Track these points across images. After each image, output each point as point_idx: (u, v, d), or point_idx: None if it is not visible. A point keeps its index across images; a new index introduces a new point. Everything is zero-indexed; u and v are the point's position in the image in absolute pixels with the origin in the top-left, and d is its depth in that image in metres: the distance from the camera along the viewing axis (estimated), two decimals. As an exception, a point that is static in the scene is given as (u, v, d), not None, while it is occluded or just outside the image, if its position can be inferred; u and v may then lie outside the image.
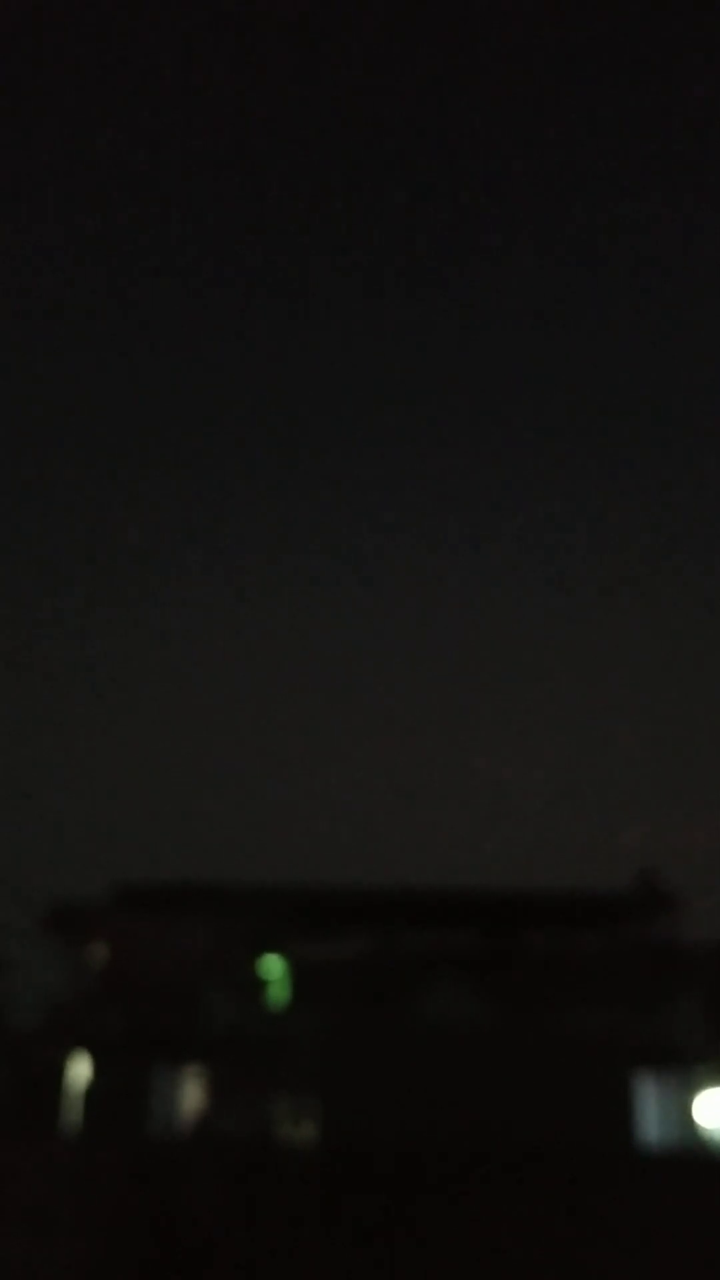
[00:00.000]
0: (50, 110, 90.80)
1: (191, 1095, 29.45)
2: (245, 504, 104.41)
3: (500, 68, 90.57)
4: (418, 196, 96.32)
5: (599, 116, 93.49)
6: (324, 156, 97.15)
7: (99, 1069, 28.84)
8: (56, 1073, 30.32)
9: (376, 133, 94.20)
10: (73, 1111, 29.91)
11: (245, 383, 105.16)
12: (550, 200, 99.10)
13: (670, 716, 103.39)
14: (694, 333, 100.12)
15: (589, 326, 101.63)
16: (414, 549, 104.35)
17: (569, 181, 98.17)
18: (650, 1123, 27.79)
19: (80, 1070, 30.17)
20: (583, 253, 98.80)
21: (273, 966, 34.14)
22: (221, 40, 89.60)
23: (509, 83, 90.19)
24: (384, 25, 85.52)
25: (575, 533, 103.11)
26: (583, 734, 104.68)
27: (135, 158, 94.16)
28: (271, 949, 34.64)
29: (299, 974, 32.43)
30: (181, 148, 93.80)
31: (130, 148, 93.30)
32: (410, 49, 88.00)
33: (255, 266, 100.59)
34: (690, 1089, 29.08)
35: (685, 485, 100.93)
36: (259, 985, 33.42)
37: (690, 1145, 28.33)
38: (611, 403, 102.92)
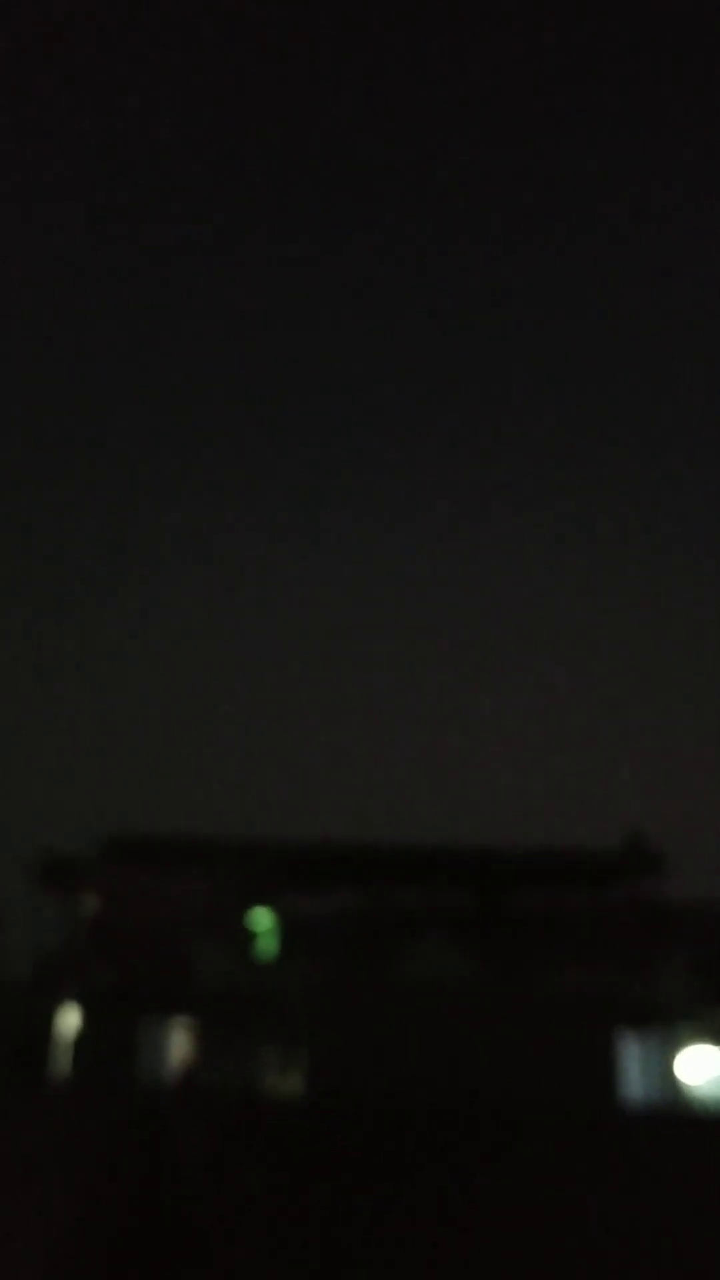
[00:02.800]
0: (51, 99, 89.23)
1: (180, 1046, 29.73)
2: (239, 467, 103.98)
3: (501, 57, 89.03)
4: (417, 185, 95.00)
5: (599, 107, 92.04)
6: (323, 142, 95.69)
7: (89, 1020, 29.10)
8: (47, 1023, 30.62)
9: (376, 117, 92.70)
10: (63, 1062, 30.23)
11: (244, 366, 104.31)
12: (554, 193, 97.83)
13: (661, 677, 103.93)
14: (693, 328, 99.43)
15: (587, 312, 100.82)
16: (407, 513, 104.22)
17: (571, 173, 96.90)
18: (634, 1080, 28.16)
19: (70, 1021, 30.46)
20: (585, 242, 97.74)
21: (262, 920, 34.39)
22: (224, 24, 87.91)
23: (510, 68, 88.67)
24: (384, 11, 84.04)
25: (573, 503, 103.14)
26: (573, 694, 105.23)
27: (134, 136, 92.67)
28: (261, 902, 34.89)
29: (288, 928, 32.69)
30: (181, 126, 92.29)
31: (129, 122, 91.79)
32: (408, 41, 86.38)
33: (256, 254, 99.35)
34: (674, 1047, 29.49)
35: (684, 465, 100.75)
36: (248, 938, 33.70)
37: (673, 1103, 28.75)
38: (610, 388, 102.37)
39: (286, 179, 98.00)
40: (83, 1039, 29.09)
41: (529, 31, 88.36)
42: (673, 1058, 29.55)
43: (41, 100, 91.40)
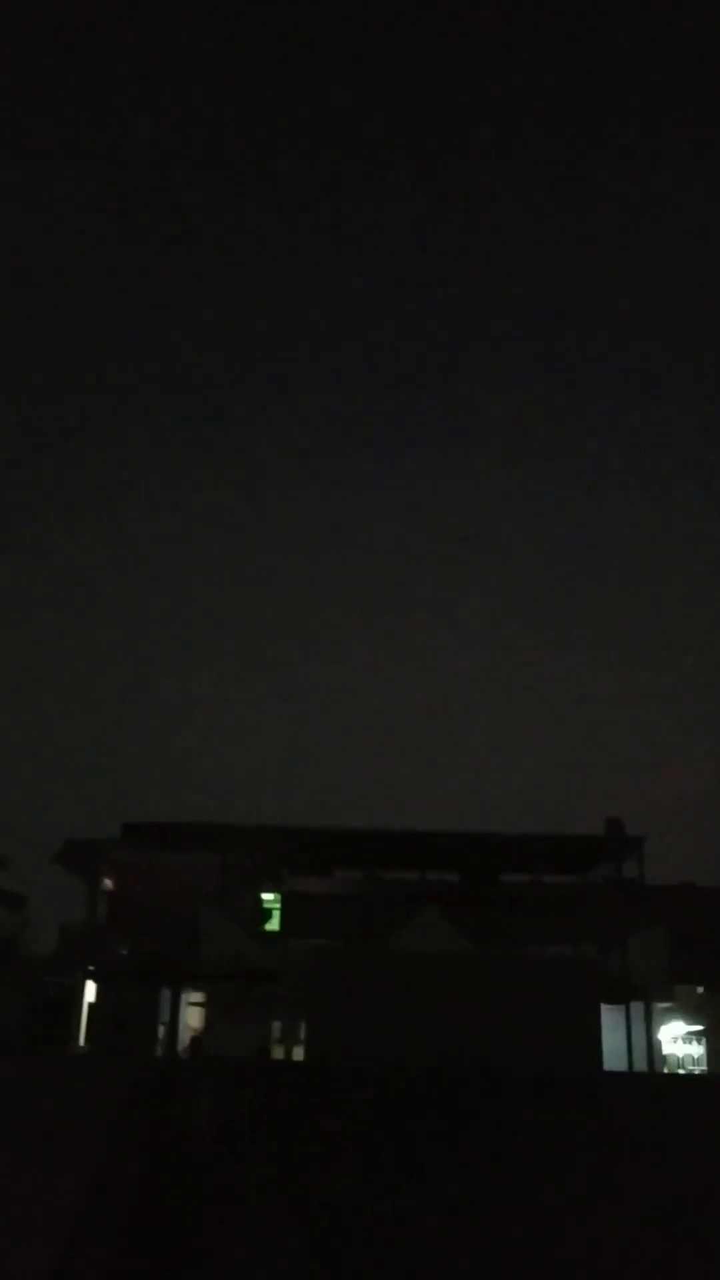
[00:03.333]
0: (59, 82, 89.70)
1: (191, 1018, 31.50)
2: (243, 466, 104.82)
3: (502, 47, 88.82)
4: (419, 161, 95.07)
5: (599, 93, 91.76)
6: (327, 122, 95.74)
7: (107, 993, 30.78)
8: (68, 996, 32.57)
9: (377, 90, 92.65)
10: (83, 1033, 32.11)
11: (246, 338, 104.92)
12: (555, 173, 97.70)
13: (647, 672, 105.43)
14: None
15: (587, 298, 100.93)
16: (405, 518, 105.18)
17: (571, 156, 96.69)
18: (614, 1048, 29.62)
19: (90, 995, 32.34)
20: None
21: (268, 900, 36.17)
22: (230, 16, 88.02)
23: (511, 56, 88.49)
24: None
25: (564, 501, 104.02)
26: (559, 692, 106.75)
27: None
28: (268, 884, 36.68)
29: (292, 907, 34.37)
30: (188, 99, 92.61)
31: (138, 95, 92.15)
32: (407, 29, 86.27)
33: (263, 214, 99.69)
34: (651, 1020, 31.17)
35: (681, 469, 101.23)
36: (255, 917, 35.46)
37: (651, 1070, 30.34)
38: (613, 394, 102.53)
39: (285, 146, 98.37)
40: (101, 1010, 30.86)
41: (528, 27, 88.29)
42: (651, 1029, 31.25)
43: (45, 90, 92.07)
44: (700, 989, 32.29)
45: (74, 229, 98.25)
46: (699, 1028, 32.35)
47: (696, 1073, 31.49)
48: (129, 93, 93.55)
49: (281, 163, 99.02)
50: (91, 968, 32.18)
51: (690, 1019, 32.35)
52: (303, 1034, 30.09)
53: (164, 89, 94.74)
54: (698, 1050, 32.15)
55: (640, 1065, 30.15)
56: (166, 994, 29.68)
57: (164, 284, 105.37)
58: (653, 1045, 31.19)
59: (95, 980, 31.88)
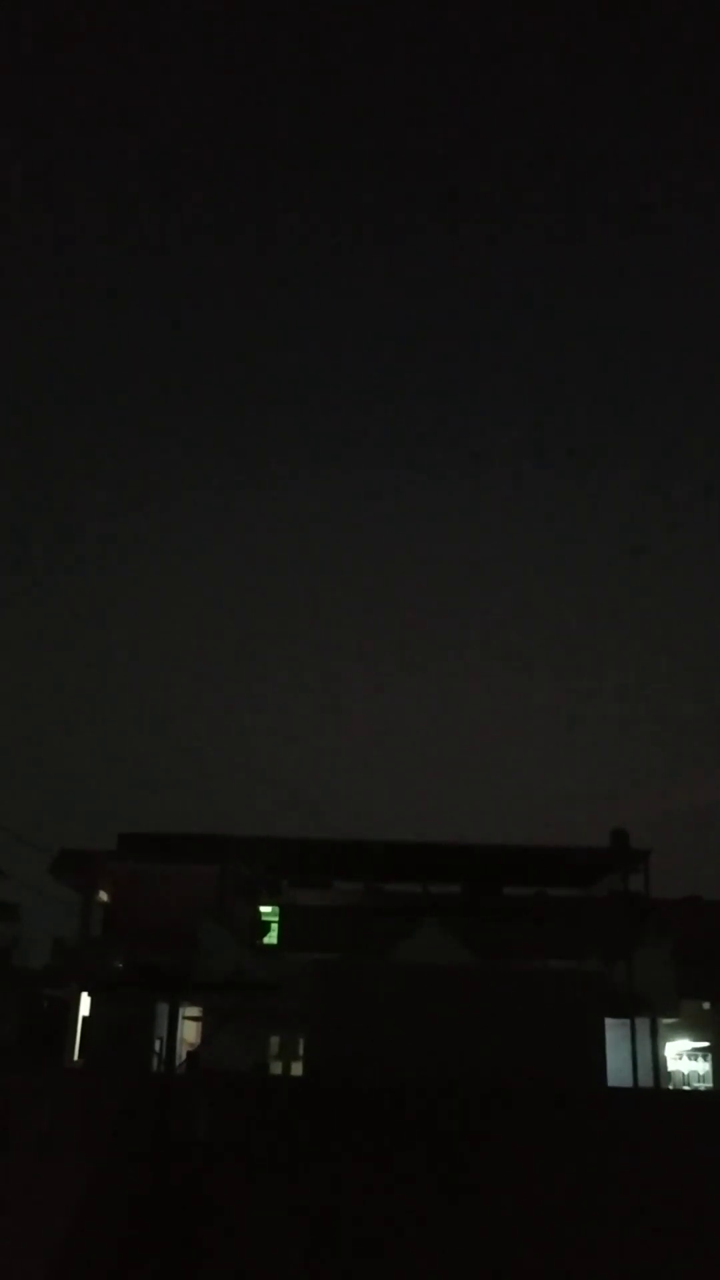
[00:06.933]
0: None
1: (188, 1031, 30.98)
2: (246, 464, 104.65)
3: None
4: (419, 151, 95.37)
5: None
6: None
7: (102, 1006, 30.30)
8: (63, 1010, 32.05)
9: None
10: (78, 1046, 31.59)
11: (243, 341, 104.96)
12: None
13: (648, 688, 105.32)
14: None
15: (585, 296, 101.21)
16: (418, 514, 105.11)
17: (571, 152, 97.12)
18: (617, 1062, 29.20)
19: (85, 1007, 31.85)
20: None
21: (266, 912, 35.72)
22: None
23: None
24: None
25: (568, 517, 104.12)
26: (564, 702, 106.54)
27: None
28: (266, 896, 36.25)
29: (291, 920, 33.93)
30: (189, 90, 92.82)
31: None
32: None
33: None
34: (657, 1035, 30.72)
35: (685, 481, 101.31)
36: (254, 930, 35.00)
37: (655, 1084, 29.89)
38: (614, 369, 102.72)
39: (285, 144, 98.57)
40: (96, 1023, 30.37)
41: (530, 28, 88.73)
42: (656, 1044, 30.79)
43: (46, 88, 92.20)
44: (707, 1004, 31.85)
45: (71, 231, 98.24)
46: (705, 1044, 31.90)
47: (702, 1089, 31.08)
48: (129, 93, 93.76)
49: (285, 165, 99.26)
50: (86, 980, 31.67)
51: (696, 1035, 31.91)
52: (302, 1049, 29.68)
53: (164, 89, 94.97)
54: (703, 1067, 31.71)
55: (645, 1081, 29.70)
56: (163, 1007, 29.29)
57: (166, 291, 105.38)
58: (658, 1061, 30.74)
59: (90, 993, 31.40)
